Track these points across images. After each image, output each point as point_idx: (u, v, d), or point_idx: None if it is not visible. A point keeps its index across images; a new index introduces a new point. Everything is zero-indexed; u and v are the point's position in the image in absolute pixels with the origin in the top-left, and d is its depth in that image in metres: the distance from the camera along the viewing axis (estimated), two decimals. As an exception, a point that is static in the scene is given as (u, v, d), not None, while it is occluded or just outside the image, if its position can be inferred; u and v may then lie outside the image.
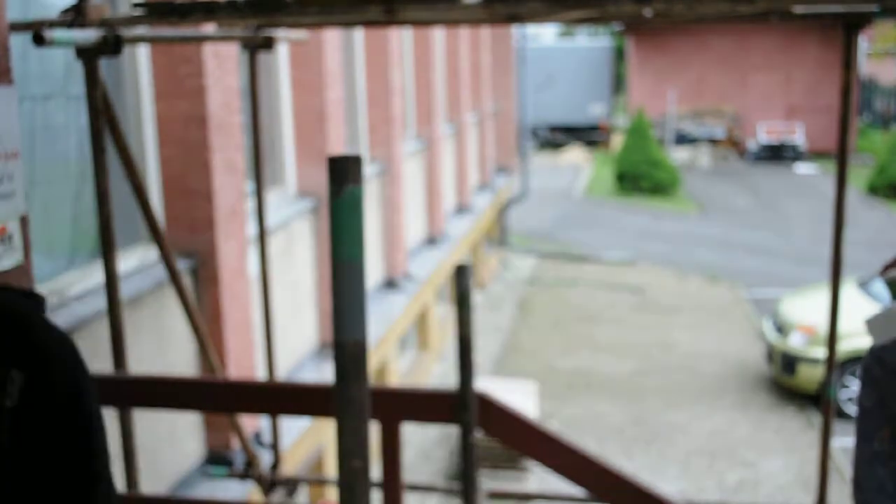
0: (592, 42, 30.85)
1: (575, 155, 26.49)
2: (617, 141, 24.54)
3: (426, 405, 2.93)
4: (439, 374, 10.04)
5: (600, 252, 16.11)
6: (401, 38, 9.22)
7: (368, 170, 8.17)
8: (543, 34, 30.24)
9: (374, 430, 3.07)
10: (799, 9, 3.26)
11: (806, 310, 10.15)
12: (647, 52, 28.71)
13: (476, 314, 12.12)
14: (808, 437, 8.89)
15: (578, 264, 15.48)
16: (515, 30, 15.78)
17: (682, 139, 26.99)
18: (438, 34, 11.11)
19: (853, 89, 3.61)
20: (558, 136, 28.13)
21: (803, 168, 25.03)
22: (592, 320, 12.49)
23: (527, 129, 17.57)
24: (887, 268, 2.09)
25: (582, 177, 23.57)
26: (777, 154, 26.40)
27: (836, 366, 5.81)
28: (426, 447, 8.43)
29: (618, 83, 33.18)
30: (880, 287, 9.18)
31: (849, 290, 9.25)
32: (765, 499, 7.82)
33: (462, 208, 12.35)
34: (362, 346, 1.36)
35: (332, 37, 6.38)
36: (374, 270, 8.24)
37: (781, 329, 10.55)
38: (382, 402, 2.85)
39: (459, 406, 2.87)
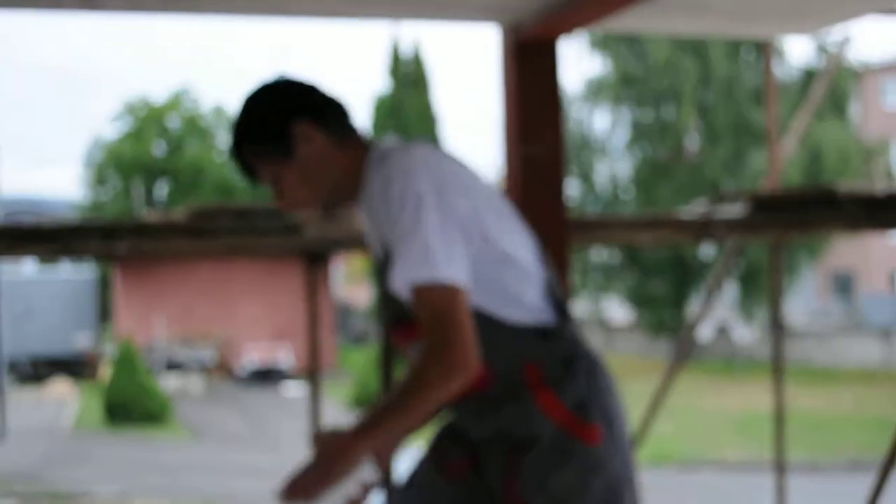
0: (76, 272, 30.13)
1: (61, 388, 25.15)
2: (105, 371, 23.76)
3: None
4: None
5: (91, 488, 15.23)
6: None
7: None
8: (22, 264, 28.95)
9: None
10: (268, 245, 3.53)
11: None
12: (133, 280, 28.55)
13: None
14: None
15: (67, 504, 14.46)
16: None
17: (174, 365, 26.83)
18: None
19: (330, 312, 3.93)
20: (41, 368, 26.65)
21: (292, 388, 25.96)
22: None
23: (3, 363, 16.45)
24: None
25: (69, 410, 22.38)
26: (266, 376, 27.15)
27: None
28: None
29: (105, 312, 32.46)
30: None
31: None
32: None
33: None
34: None
35: None
36: None
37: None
38: None
39: None
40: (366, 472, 2.03)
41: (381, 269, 2.13)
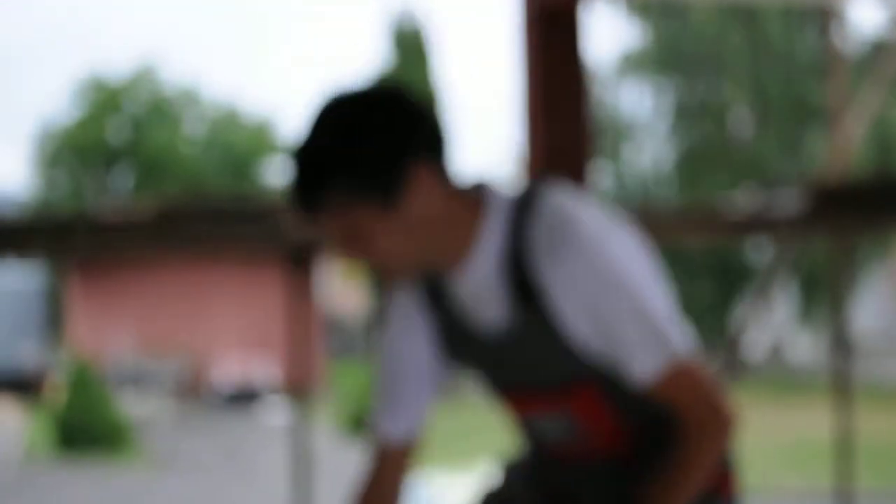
0: (22, 278, 30.23)
1: (5, 408, 25.26)
2: (59, 390, 23.85)
3: None
4: None
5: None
6: None
7: None
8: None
9: None
10: (245, 243, 3.53)
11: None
12: (93, 287, 28.57)
13: None
14: None
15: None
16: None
17: (138, 381, 26.88)
18: None
19: (317, 321, 3.92)
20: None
21: (273, 407, 25.98)
22: None
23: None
24: None
25: (16, 434, 22.46)
26: (244, 394, 27.15)
27: None
28: None
29: (59, 323, 32.56)
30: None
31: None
32: None
33: None
34: None
35: None
36: None
37: None
38: None
39: None
40: None
41: (516, 334, 1.96)
